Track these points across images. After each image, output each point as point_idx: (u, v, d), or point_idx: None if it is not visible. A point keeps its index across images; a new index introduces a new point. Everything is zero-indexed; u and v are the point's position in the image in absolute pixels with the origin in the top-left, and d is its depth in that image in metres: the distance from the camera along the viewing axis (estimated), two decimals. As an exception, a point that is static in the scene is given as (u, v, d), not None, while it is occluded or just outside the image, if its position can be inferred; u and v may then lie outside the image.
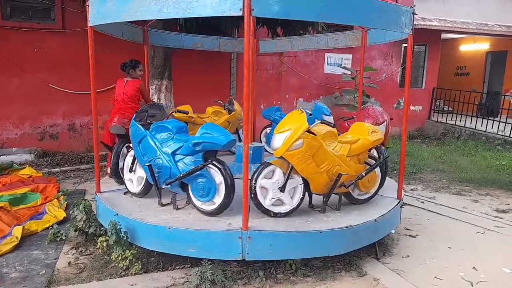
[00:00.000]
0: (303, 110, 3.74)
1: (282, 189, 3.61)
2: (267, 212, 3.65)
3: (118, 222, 3.52)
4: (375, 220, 3.74)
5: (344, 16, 3.37)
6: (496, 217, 5.18)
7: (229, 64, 9.28)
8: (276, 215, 3.65)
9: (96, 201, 4.24)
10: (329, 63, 10.70)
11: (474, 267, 3.70)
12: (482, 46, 14.27)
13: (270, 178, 3.64)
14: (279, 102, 10.02)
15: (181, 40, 6.41)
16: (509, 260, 3.91)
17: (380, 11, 3.56)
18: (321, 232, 3.43)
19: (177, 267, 3.59)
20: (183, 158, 3.70)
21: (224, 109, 6.38)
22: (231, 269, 3.49)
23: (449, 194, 6.20)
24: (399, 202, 4.25)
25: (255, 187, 3.58)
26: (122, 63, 5.30)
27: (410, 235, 4.48)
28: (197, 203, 3.72)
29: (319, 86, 10.60)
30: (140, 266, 3.47)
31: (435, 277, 3.48)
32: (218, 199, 3.60)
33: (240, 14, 2.94)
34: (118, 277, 3.41)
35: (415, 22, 3.92)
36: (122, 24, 5.24)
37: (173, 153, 3.75)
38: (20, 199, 5.04)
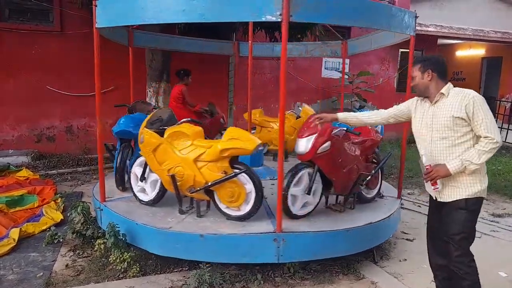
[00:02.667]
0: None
1: (141, 178, 4.00)
2: (135, 197, 4.12)
3: (117, 224, 3.52)
4: (201, 236, 3.34)
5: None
6: (492, 221, 5.21)
7: (227, 67, 9.31)
8: (141, 201, 4.07)
9: None
10: (326, 67, 10.74)
11: (470, 271, 3.71)
12: (478, 51, 14.40)
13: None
14: (276, 106, 10.04)
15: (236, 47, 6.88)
16: (505, 264, 3.94)
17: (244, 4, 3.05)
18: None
19: (175, 270, 3.59)
20: None
21: (289, 113, 6.41)
22: (229, 272, 3.49)
23: (446, 198, 6.21)
24: (272, 234, 3.36)
25: (129, 172, 4.16)
26: (177, 71, 6.38)
27: (407, 239, 4.51)
28: None
29: (316, 90, 10.65)
30: (138, 269, 3.47)
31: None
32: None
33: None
34: (116, 280, 3.40)
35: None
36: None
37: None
38: (17, 201, 5.03)
